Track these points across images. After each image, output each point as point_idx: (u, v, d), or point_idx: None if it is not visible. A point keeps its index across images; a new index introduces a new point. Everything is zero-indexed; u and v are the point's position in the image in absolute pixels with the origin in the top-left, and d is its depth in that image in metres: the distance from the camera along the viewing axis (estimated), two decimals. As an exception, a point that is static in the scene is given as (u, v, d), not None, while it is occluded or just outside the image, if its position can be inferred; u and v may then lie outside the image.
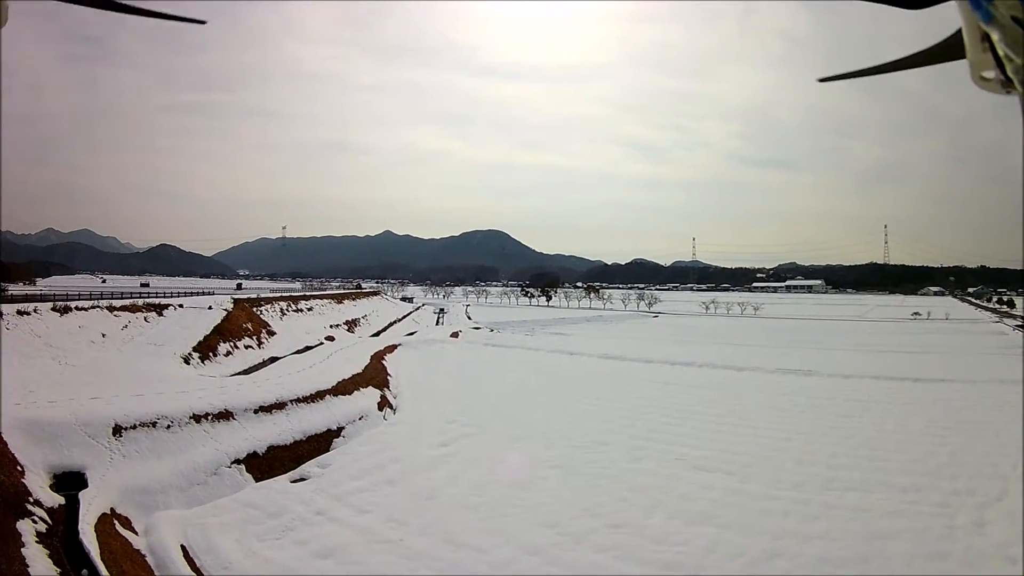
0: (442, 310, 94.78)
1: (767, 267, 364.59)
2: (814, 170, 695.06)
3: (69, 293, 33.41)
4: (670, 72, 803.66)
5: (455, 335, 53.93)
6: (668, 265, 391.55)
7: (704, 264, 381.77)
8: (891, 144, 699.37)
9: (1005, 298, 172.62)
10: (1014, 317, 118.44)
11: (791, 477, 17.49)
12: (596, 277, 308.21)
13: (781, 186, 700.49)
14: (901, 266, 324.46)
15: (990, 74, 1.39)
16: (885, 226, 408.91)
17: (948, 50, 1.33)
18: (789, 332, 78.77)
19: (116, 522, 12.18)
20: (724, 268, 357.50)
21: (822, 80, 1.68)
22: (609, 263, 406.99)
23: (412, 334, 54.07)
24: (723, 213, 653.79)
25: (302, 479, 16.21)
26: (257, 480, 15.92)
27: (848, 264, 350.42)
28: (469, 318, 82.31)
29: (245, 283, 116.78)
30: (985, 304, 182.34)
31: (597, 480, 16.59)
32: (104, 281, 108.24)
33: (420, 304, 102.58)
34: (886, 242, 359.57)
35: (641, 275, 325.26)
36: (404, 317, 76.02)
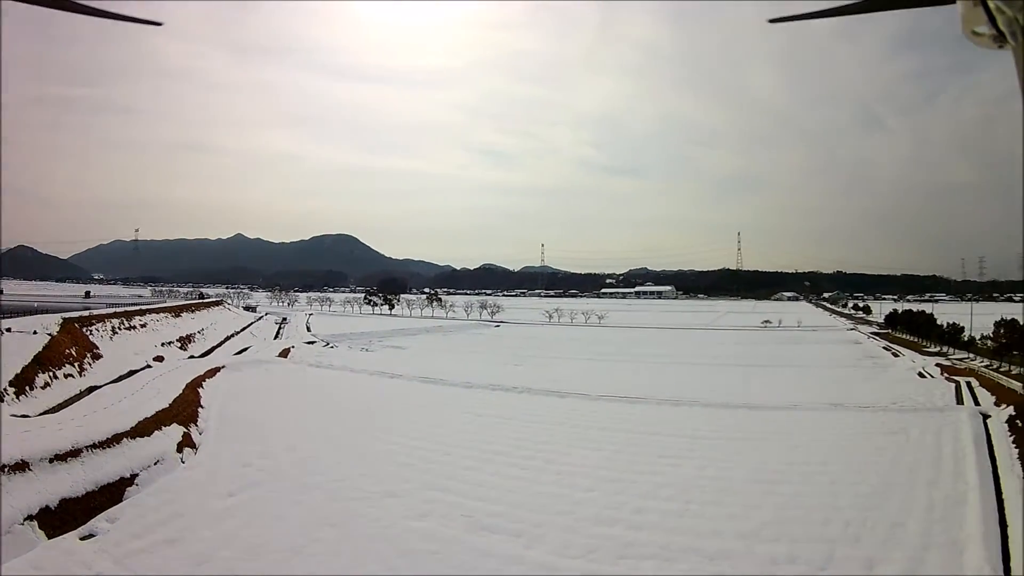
0: (284, 320, 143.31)
1: (617, 273, 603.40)
2: (667, 178, 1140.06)
3: None
4: (524, 79, 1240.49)
5: (285, 353, 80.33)
6: (517, 271, 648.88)
7: (554, 270, 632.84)
8: (747, 154, 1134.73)
9: (861, 304, 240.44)
10: (870, 323, 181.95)
11: (584, 541, 23.17)
12: (445, 282, 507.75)
13: (633, 193, 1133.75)
14: (754, 271, 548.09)
15: (982, 28, 2.34)
16: (739, 233, 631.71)
17: None
18: (631, 344, 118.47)
19: None
20: (574, 274, 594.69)
21: (773, 20, 3.28)
22: (458, 268, 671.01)
23: (243, 351, 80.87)
24: (573, 219, 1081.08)
25: (91, 535, 22.81)
26: (50, 537, 22.10)
27: (700, 270, 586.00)
28: (309, 330, 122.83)
29: (97, 289, 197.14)
30: (840, 309, 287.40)
31: (372, 543, 22.61)
32: None
33: (263, 314, 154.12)
34: (739, 248, 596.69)
35: (490, 281, 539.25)
36: (243, 330, 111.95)
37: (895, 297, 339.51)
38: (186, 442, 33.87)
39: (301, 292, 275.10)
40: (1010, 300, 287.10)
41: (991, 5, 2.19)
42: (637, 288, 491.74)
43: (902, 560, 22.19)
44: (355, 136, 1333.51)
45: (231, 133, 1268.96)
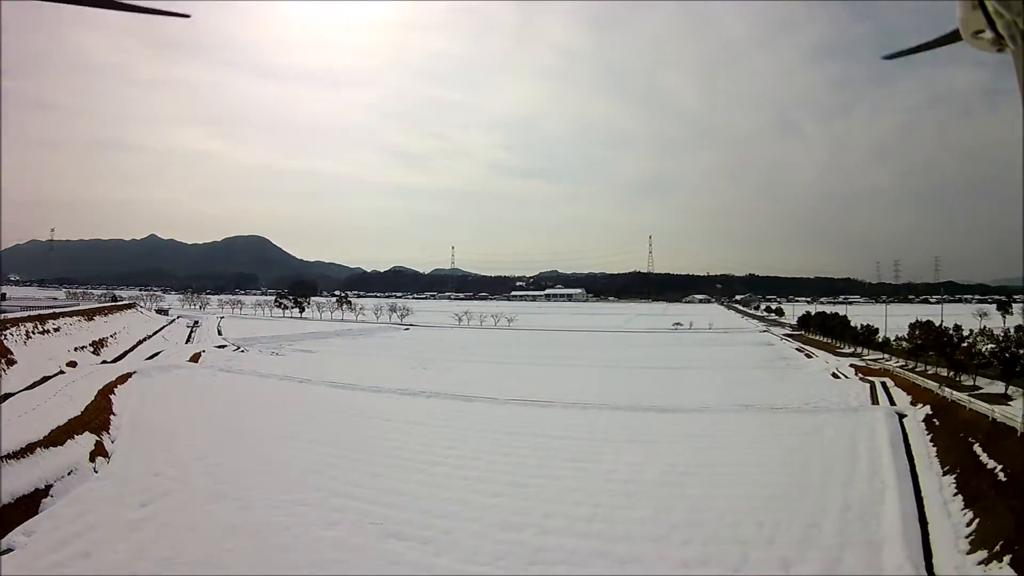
0: (196, 323, 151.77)
1: (528, 275, 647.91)
2: (580, 181, 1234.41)
3: None
4: (438, 80, 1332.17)
5: (196, 358, 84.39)
6: (428, 273, 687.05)
7: (464, 272, 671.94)
8: (661, 157, 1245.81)
9: (774, 306, 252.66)
10: (783, 325, 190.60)
11: (493, 547, 24.40)
12: (355, 285, 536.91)
13: (545, 196, 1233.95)
14: (666, 274, 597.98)
15: (981, 32, 2.51)
16: (650, 236, 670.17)
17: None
18: (540, 347, 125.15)
19: None
20: (484, 276, 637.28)
21: (887, 57, 4.73)
22: (368, 270, 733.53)
23: (155, 356, 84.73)
24: (484, 222, 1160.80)
25: (9, 550, 23.94)
26: (-27, 552, 24.60)
27: (612, 272, 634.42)
28: (220, 333, 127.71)
29: (13, 291, 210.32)
30: (752, 312, 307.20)
31: (283, 553, 23.70)
32: None
33: (175, 317, 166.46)
34: (650, 251, 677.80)
35: (400, 283, 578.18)
36: (155, 334, 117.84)
37: (808, 299, 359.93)
38: (99, 451, 35.48)
39: (213, 295, 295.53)
40: (925, 302, 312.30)
41: (990, 8, 2.34)
42: (547, 291, 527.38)
43: (819, 560, 22.91)
44: (268, 135, 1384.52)
45: (148, 131, 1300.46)
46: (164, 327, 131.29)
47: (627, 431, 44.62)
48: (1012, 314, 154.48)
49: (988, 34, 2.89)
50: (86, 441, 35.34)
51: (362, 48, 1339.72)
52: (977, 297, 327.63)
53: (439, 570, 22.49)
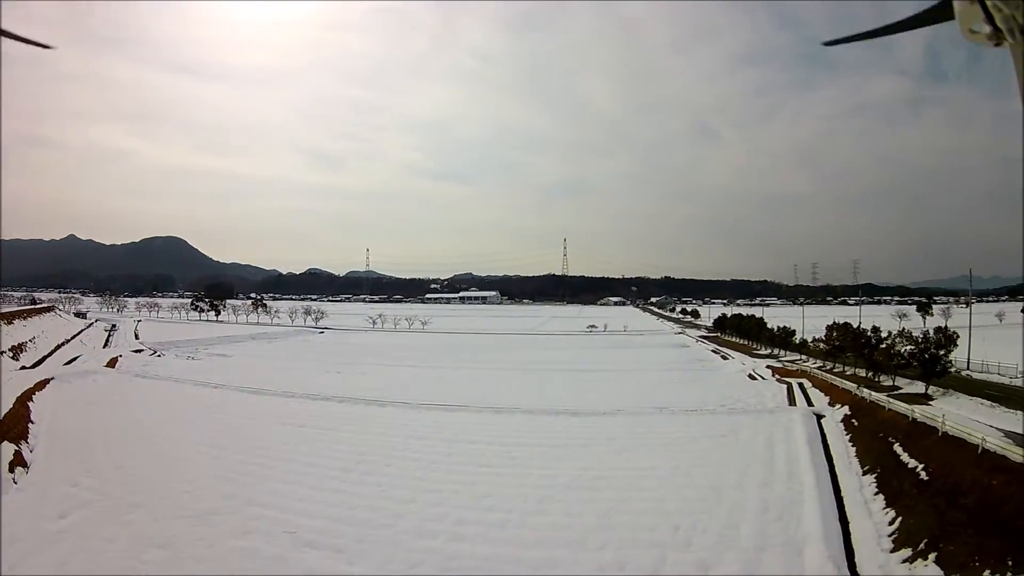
0: (114, 327, 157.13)
1: (442, 278, 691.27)
2: (495, 184, 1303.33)
3: None
4: (355, 81, 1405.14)
5: (113, 363, 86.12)
6: (343, 275, 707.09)
7: (379, 275, 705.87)
8: (577, 160, 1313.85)
9: (690, 308, 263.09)
10: (699, 327, 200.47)
11: (406, 555, 25.05)
12: (272, 287, 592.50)
13: (460, 199, 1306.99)
14: (581, 277, 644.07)
15: (979, 27, 2.66)
16: (565, 239, 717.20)
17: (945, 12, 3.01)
18: (452, 350, 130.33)
19: None
20: (399, 279, 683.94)
21: (827, 43, 4.16)
22: (285, 272, 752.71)
23: (73, 361, 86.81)
24: (399, 224, 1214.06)
25: None
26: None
27: (526, 275, 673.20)
28: (137, 337, 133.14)
29: None
30: (668, 314, 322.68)
31: (198, 564, 24.10)
32: None
33: (93, 320, 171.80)
34: (565, 254, 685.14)
35: (316, 285, 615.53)
36: (73, 338, 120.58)
37: (725, 302, 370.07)
38: (18, 461, 35.67)
39: (131, 297, 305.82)
40: (844, 304, 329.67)
41: (988, 3, 2.51)
42: (462, 293, 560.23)
43: (737, 562, 23.23)
44: (188, 134, 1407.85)
45: (69, 127, 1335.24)
46: (82, 331, 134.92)
47: (539, 435, 45.22)
48: (932, 315, 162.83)
49: (986, 28, 2.97)
50: (6, 451, 35.41)
51: (281, 47, 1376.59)
52: (897, 299, 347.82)
53: (354, 580, 23.39)
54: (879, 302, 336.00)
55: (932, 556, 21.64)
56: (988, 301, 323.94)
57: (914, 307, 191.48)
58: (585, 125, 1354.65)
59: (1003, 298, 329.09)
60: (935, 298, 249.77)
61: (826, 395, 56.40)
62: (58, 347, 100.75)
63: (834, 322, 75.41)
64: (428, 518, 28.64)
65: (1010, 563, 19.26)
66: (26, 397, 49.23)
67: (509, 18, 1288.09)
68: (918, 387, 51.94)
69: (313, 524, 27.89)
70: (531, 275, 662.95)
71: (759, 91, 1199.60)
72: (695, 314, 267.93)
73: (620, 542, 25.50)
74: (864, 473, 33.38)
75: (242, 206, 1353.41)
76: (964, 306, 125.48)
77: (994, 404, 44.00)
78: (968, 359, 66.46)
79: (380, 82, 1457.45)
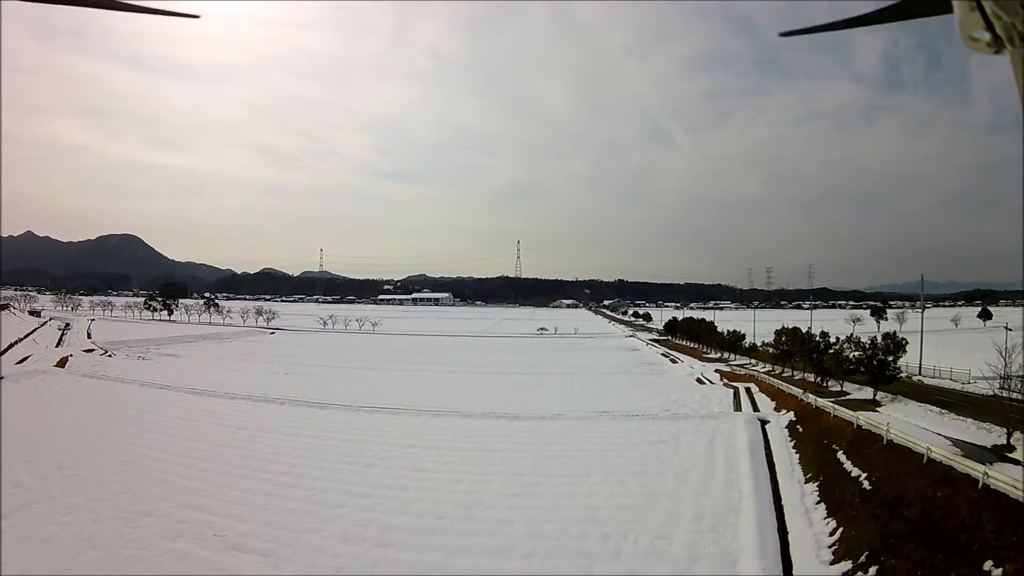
0: (67, 325, 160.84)
1: (396, 279, 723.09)
2: (449, 185, 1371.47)
3: None
4: (311, 79, 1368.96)
5: (63, 362, 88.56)
6: (297, 276, 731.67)
7: (333, 275, 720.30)
8: (530, 163, 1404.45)
9: (642, 311, 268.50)
10: (650, 330, 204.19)
11: (331, 560, 25.23)
12: (226, 286, 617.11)
13: (414, 200, 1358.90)
14: (534, 279, 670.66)
15: (979, 34, 2.56)
16: (518, 241, 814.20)
17: (920, 5, 2.73)
18: (401, 352, 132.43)
19: None
20: (352, 279, 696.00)
21: (783, 34, 3.60)
22: (239, 272, 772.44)
23: (25, 359, 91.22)
24: (353, 224, 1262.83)
25: None
26: None
27: (479, 277, 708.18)
28: (89, 336, 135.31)
29: None
30: (620, 317, 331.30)
31: (128, 566, 24.64)
32: None
33: (47, 319, 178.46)
34: (518, 256, 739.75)
35: (270, 285, 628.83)
36: (27, 336, 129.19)
37: (678, 305, 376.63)
38: None
39: (85, 296, 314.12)
40: (798, 308, 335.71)
41: (988, 10, 2.47)
42: (414, 295, 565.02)
43: (668, 573, 22.61)
44: (144, 131, 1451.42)
45: (27, 121, 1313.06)
46: (36, 329, 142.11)
47: (477, 439, 45.16)
48: (887, 320, 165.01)
49: (986, 36, 2.88)
50: (-44, 450, 37.37)
51: (237, 43, 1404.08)
52: (852, 303, 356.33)
53: (279, 584, 23.86)
54: (834, 306, 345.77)
55: (873, 570, 21.00)
56: (944, 306, 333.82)
57: (868, 311, 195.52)
58: (539, 127, 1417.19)
59: (959, 303, 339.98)
60: (890, 302, 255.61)
61: (773, 400, 56.45)
62: (11, 346, 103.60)
63: (783, 326, 75.55)
64: (356, 523, 28.81)
65: (954, 579, 18.41)
66: (-25, 396, 51.50)
67: (465, 19, 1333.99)
68: (867, 392, 51.91)
69: (243, 527, 28.29)
70: (485, 277, 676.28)
71: (714, 96, 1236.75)
72: (647, 317, 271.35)
73: (547, 551, 25.31)
74: (807, 481, 32.82)
75: (197, 204, 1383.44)
76: (919, 311, 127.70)
77: (943, 411, 43.80)
78: (920, 364, 67.14)
79: (335, 81, 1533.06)
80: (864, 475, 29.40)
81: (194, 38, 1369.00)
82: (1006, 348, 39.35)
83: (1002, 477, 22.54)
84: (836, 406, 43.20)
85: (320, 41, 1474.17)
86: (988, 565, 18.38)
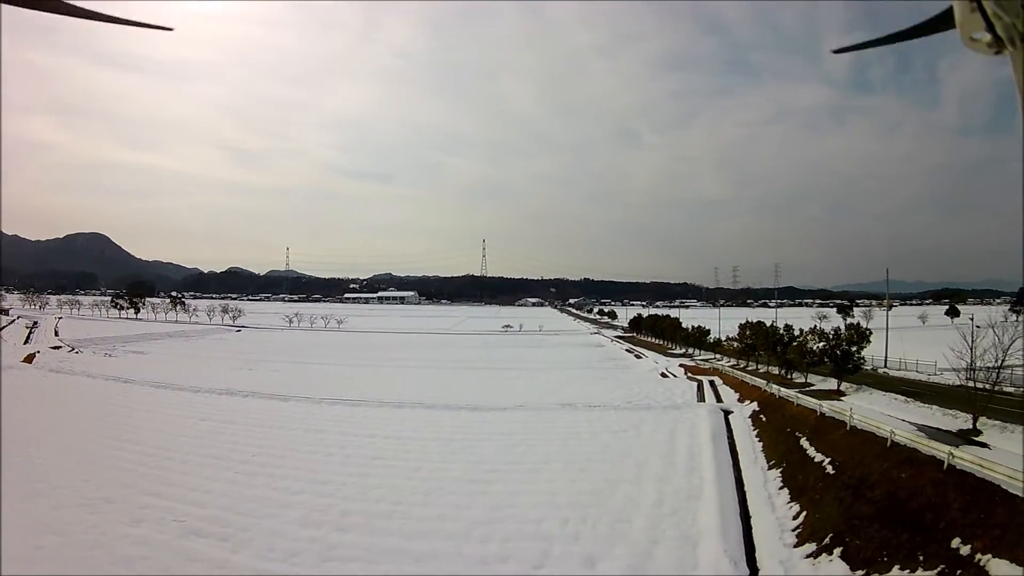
0: (35, 324, 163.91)
1: (361, 278, 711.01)
2: (415, 184, 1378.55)
3: None
4: (277, 78, 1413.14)
5: (30, 359, 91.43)
6: (263, 274, 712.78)
7: (299, 274, 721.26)
8: (497, 162, 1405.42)
9: (607, 309, 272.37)
10: (615, 328, 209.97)
11: (289, 544, 25.52)
12: (192, 285, 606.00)
13: (380, 198, 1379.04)
14: (499, 278, 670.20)
15: (979, 35, 2.53)
16: (484, 240, 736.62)
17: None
18: (365, 349, 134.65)
19: None
20: (318, 278, 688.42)
21: (836, 51, 3.57)
22: (205, 271, 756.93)
23: None
24: (319, 223, 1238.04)
25: None
26: None
27: (445, 276, 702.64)
28: (56, 334, 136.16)
29: None
30: (585, 315, 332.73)
31: (89, 550, 25.19)
32: None
33: (15, 317, 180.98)
34: (484, 254, 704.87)
35: (236, 284, 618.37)
36: None
37: (644, 303, 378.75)
38: None
39: (53, 295, 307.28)
40: (765, 306, 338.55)
41: (989, 11, 2.41)
42: (380, 293, 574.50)
43: (627, 556, 22.62)
44: (111, 128, 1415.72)
45: None
46: (4, 327, 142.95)
47: (437, 429, 45.73)
48: (853, 317, 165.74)
49: (986, 36, 2.66)
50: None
51: (206, 41, 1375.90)
52: (818, 301, 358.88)
53: (232, 567, 23.71)
54: (800, 304, 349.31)
55: (837, 551, 20.81)
56: (912, 304, 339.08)
57: (835, 309, 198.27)
58: (506, 126, 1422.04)
59: (927, 301, 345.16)
60: (857, 301, 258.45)
61: (736, 392, 56.55)
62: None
63: (746, 321, 76.15)
64: (314, 508, 29.43)
65: (920, 558, 18.24)
66: (-58, 393, 51.73)
67: (432, 18, 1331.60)
68: (831, 383, 52.03)
69: (202, 513, 28.88)
70: (450, 276, 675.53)
71: (682, 96, 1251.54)
72: (612, 315, 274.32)
73: (506, 535, 25.72)
74: (770, 468, 32.84)
75: (164, 203, 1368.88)
76: (885, 308, 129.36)
77: (908, 399, 43.93)
78: (885, 357, 67.94)
79: (301, 79, 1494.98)
80: (827, 460, 29.29)
81: (162, 37, 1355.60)
82: (972, 336, 39.47)
83: (968, 456, 22.25)
84: (800, 395, 43.13)
85: (286, 40, 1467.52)
86: (956, 543, 18.13)
